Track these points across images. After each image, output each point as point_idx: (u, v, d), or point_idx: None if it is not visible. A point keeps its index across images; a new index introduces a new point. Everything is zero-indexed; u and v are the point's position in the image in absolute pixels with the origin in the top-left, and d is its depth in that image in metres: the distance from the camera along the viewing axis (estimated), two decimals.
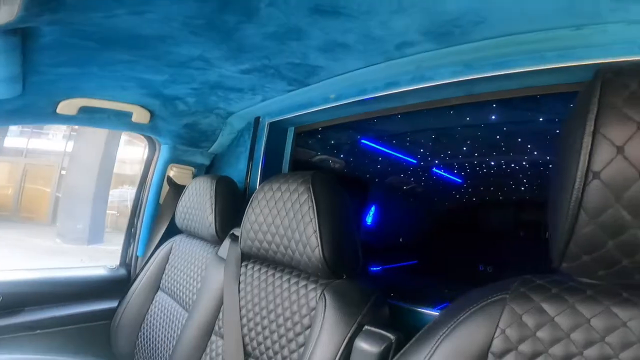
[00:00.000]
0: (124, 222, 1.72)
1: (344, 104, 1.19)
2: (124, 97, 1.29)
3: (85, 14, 0.71)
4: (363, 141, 1.83)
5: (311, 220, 0.83)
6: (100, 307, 1.42)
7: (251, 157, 1.53)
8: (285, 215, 0.89)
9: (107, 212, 7.50)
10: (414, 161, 2.02)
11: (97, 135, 6.97)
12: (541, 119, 1.24)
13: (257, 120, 1.52)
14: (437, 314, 0.86)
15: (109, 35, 0.81)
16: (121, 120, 1.39)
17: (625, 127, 0.36)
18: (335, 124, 1.46)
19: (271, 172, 1.45)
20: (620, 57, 0.70)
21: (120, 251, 1.65)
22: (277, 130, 1.50)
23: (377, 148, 1.91)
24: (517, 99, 0.99)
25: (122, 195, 8.63)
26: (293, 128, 1.54)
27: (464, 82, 0.92)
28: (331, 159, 1.92)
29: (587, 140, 0.37)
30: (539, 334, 0.45)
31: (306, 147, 1.76)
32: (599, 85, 0.38)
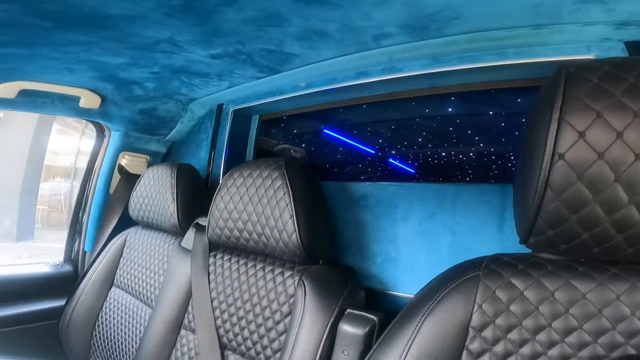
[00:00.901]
0: (56, 217, 1.59)
1: (313, 92, 1.19)
2: (72, 81, 1.16)
3: None
4: (325, 131, 1.85)
5: (287, 206, 0.83)
6: (45, 307, 1.32)
7: (214, 145, 1.48)
8: (259, 201, 0.88)
9: (38, 206, 6.76)
10: (373, 151, 2.08)
11: (25, 123, 6.20)
12: (492, 112, 1.34)
13: (220, 107, 1.47)
14: (409, 296, 0.93)
15: (68, 14, 0.73)
16: (67, 105, 1.26)
17: (586, 115, 0.40)
18: (300, 113, 1.45)
19: (234, 160, 1.41)
20: (572, 55, 0.78)
21: (52, 249, 1.52)
22: (241, 118, 1.46)
23: (338, 138, 1.94)
24: (475, 92, 1.07)
25: (54, 189, 7.86)
26: (258, 116, 1.51)
27: (430, 74, 0.97)
28: (292, 148, 1.92)
29: (553, 126, 0.42)
30: (512, 307, 0.49)
31: (268, 136, 1.74)
32: (564, 78, 0.43)
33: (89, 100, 1.25)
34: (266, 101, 1.32)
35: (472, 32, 0.81)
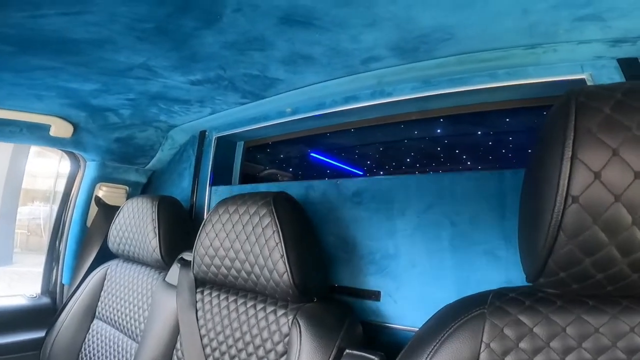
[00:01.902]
0: (36, 241, 1.50)
1: (300, 118, 1.14)
2: (41, 108, 1.09)
3: (5, 11, 0.57)
4: (312, 154, 1.80)
5: (277, 245, 0.79)
6: (24, 338, 1.28)
7: (197, 173, 1.40)
8: (246, 239, 0.83)
9: (17, 231, 6.52)
10: (361, 173, 2.05)
11: (1, 146, 6.01)
12: (480, 133, 1.32)
13: (202, 134, 1.41)
14: (410, 329, 0.86)
15: (30, 38, 0.67)
16: (36, 134, 1.18)
17: (601, 153, 0.37)
18: (286, 138, 1.40)
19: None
20: (565, 75, 0.76)
21: (32, 273, 1.44)
22: (225, 145, 1.40)
23: (325, 161, 1.89)
24: (465, 114, 1.05)
25: (33, 213, 7.66)
26: (243, 142, 1.45)
27: (420, 98, 0.94)
28: (279, 173, 1.86)
29: (565, 165, 0.39)
30: (521, 345, 0.47)
31: (254, 162, 1.68)
32: (573, 108, 0.39)
33: (60, 128, 1.18)
34: (251, 128, 1.26)
35: (463, 54, 0.78)
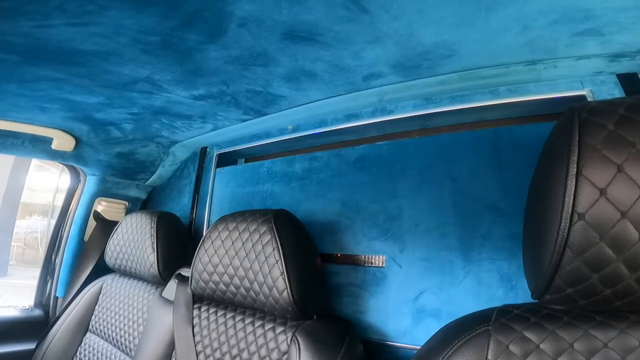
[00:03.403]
0: (31, 254, 1.48)
1: (301, 136, 1.15)
2: (44, 121, 1.10)
3: (14, 20, 0.58)
4: None
5: (277, 262, 0.78)
6: (15, 349, 1.27)
7: (197, 190, 1.40)
8: (246, 256, 0.82)
9: (13, 244, 6.48)
10: None
11: (1, 160, 6.06)
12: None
13: (204, 150, 1.41)
14: (412, 347, 0.83)
15: (37, 48, 0.68)
16: (38, 147, 1.18)
17: (606, 169, 0.37)
18: (288, 157, 1.40)
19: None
20: (566, 92, 0.77)
21: (26, 286, 1.41)
22: (227, 161, 1.40)
23: None
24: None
25: (30, 227, 7.61)
26: (243, 160, 1.44)
27: (422, 116, 0.94)
28: None
29: (570, 182, 0.39)
30: None
31: None
32: (577, 125, 0.40)
33: (62, 142, 1.18)
34: (252, 145, 1.27)
35: (464, 71, 0.79)
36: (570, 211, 0.39)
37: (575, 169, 0.38)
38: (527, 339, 0.47)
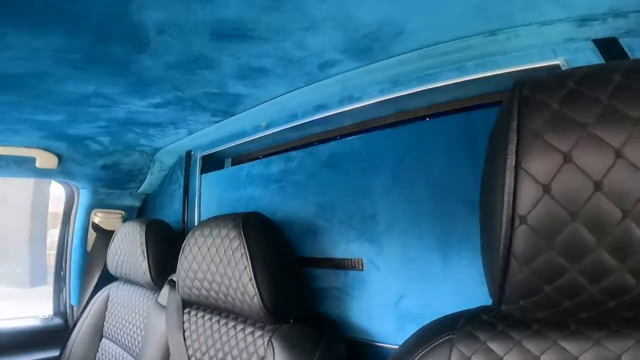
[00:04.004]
0: None
1: (277, 131, 1.11)
2: (20, 141, 1.12)
3: None
4: None
5: (245, 268, 0.77)
6: (37, 358, 1.33)
7: (186, 194, 1.39)
8: (220, 262, 0.82)
9: (48, 252, 6.87)
10: None
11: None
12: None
13: (188, 154, 1.40)
14: (395, 347, 0.80)
15: None
16: (24, 167, 1.21)
17: (550, 160, 0.30)
18: (274, 152, 1.37)
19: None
20: (538, 63, 0.68)
21: None
22: (213, 163, 1.38)
23: None
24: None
25: None
26: (230, 159, 1.42)
27: (393, 99, 0.88)
28: None
29: (509, 177, 0.31)
30: None
31: None
32: (516, 105, 0.32)
33: (45, 160, 1.20)
34: (233, 144, 1.24)
35: (424, 48, 0.72)
36: (510, 213, 0.31)
37: (513, 161, 0.31)
38: (491, 350, 0.43)
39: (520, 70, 0.70)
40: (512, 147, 0.31)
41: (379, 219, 0.86)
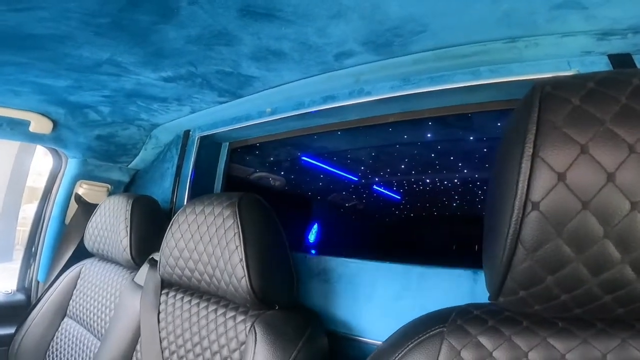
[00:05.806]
0: None
1: (281, 118, 1.11)
2: (19, 104, 1.08)
3: None
4: (304, 158, 1.77)
5: (237, 248, 0.75)
6: None
7: (178, 174, 1.38)
8: (209, 241, 0.80)
9: (18, 228, 6.57)
10: (355, 178, 2.01)
11: (6, 146, 6.09)
12: (472, 138, 1.28)
13: (186, 133, 1.38)
14: (379, 343, 0.81)
15: None
16: (17, 130, 1.17)
17: (567, 150, 0.32)
18: (274, 140, 1.37)
19: (201, 191, 1.31)
20: (551, 72, 0.71)
21: None
22: (209, 145, 1.38)
23: (318, 165, 1.86)
24: (452, 116, 1.00)
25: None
26: (227, 143, 1.42)
27: (401, 97, 0.90)
28: (271, 177, 1.82)
29: (525, 165, 0.33)
30: None
31: (243, 164, 1.65)
32: (538, 100, 0.34)
33: (39, 125, 1.16)
34: (233, 127, 1.23)
35: (441, 48, 0.74)
36: (523, 199, 0.33)
37: (531, 150, 0.33)
38: (481, 345, 0.44)
39: (533, 79, 0.73)
40: (530, 137, 0.33)
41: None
